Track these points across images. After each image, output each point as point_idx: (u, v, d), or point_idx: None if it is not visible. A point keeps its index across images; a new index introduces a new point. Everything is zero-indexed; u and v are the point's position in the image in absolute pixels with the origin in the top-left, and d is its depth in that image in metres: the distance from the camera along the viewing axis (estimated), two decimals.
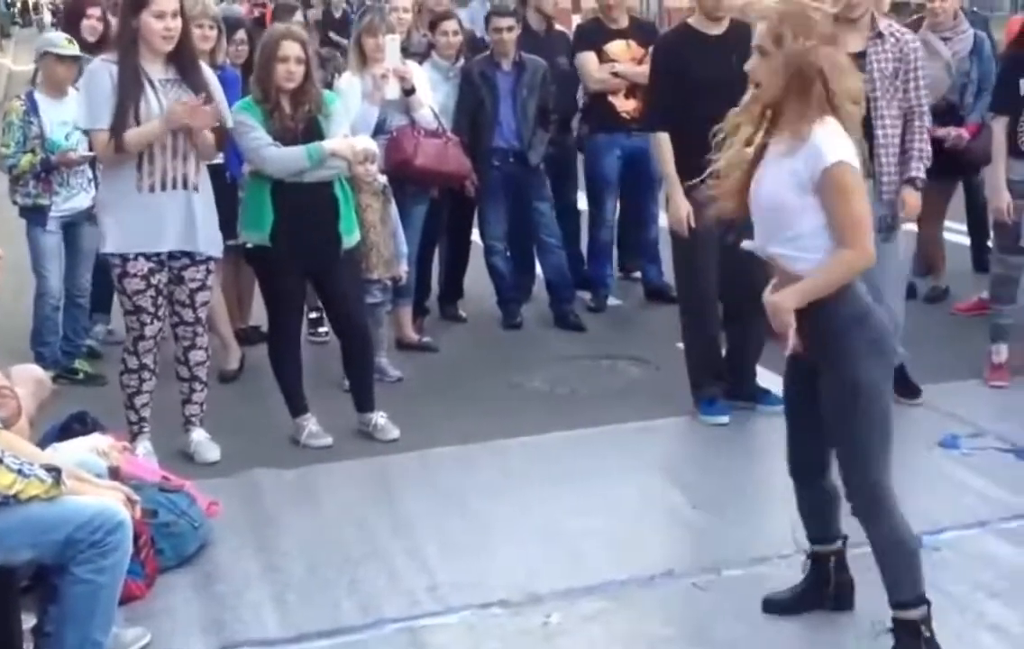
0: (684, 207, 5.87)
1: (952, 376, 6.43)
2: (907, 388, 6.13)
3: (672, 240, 6.18)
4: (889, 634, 3.84)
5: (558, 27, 8.57)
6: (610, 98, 7.80)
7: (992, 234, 6.80)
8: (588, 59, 7.84)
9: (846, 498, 3.91)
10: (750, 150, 3.88)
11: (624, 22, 7.89)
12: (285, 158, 5.60)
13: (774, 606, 4.27)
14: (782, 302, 3.77)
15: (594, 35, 7.99)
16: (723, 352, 6.21)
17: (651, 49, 6.58)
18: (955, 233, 8.33)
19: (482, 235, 7.82)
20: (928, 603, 3.83)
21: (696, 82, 5.82)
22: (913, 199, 5.88)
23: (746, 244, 4.00)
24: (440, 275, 8.03)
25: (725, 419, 6.00)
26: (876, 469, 3.80)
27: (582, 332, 7.62)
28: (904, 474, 5.43)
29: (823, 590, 4.22)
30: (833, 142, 3.69)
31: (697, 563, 4.62)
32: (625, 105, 7.75)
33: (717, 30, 5.95)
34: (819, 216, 3.73)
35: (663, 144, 5.96)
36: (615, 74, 7.72)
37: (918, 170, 5.87)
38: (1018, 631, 4.10)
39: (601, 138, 7.90)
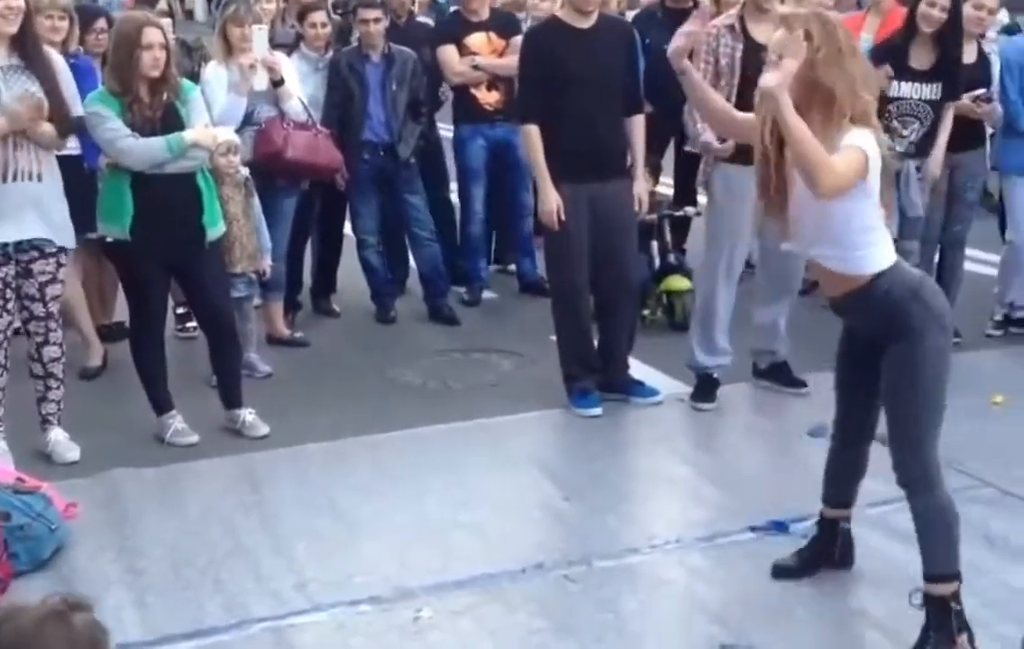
0: (554, 200, 5.87)
1: (826, 365, 6.48)
2: (791, 380, 6.23)
3: (544, 233, 6.18)
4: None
5: (420, 18, 8.50)
6: (472, 91, 7.77)
7: None
8: (449, 53, 7.80)
9: (894, 468, 3.93)
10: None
11: (485, 14, 7.86)
12: (144, 150, 5.43)
13: (784, 572, 4.39)
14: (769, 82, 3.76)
15: (454, 28, 7.96)
16: (595, 344, 6.21)
17: (520, 42, 6.55)
18: None
19: (354, 229, 7.73)
20: (959, 580, 3.90)
21: (565, 75, 5.83)
22: None
23: (785, 246, 4.07)
24: (312, 269, 7.92)
25: (597, 411, 6.01)
26: (928, 443, 3.87)
27: (456, 325, 7.57)
28: (775, 463, 5.59)
29: (829, 550, 4.37)
30: (858, 138, 3.74)
31: (568, 555, 4.60)
32: (487, 97, 7.74)
33: (586, 24, 5.95)
34: (858, 217, 3.80)
35: (532, 137, 5.94)
36: (476, 67, 7.69)
37: None
38: (882, 613, 4.16)
39: (465, 129, 7.88)
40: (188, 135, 5.48)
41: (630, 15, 8.86)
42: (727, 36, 5.87)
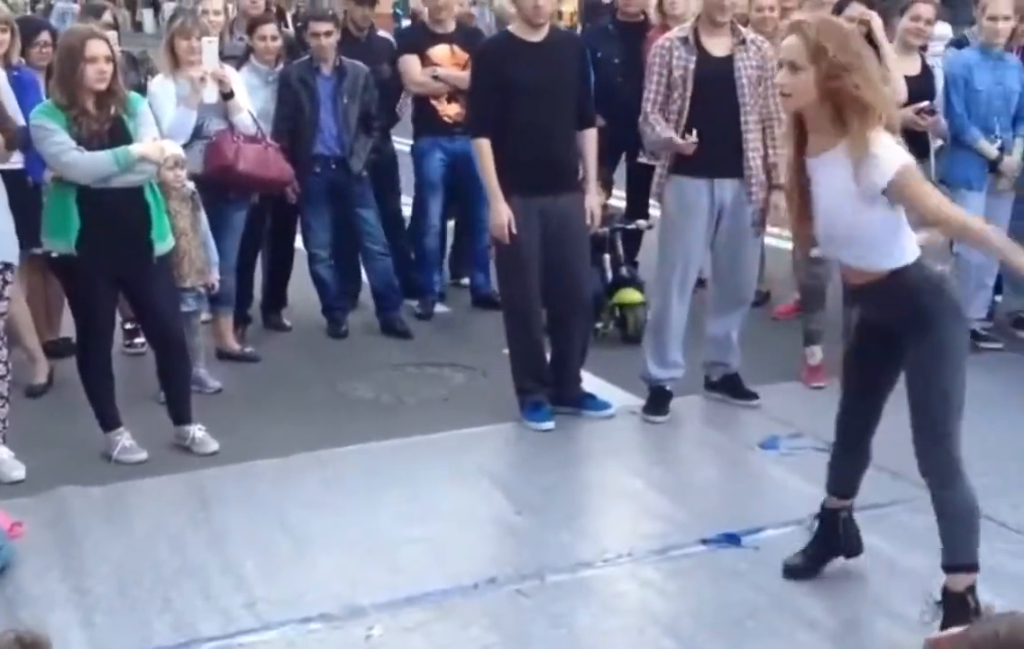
0: (505, 213, 5.86)
1: (775, 378, 6.57)
2: (743, 393, 6.25)
3: (495, 247, 6.17)
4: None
5: (381, 33, 8.48)
6: (432, 102, 7.76)
7: (792, 246, 6.99)
8: (411, 62, 7.79)
9: (918, 457, 3.97)
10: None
11: (450, 27, 7.85)
12: (91, 164, 5.36)
13: (794, 572, 4.43)
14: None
15: (418, 39, 7.95)
16: (547, 357, 6.20)
17: (472, 56, 6.55)
18: (773, 237, 8.51)
19: (305, 243, 7.68)
20: (978, 571, 3.94)
21: (516, 88, 5.83)
22: (784, 203, 6.02)
23: (816, 252, 4.13)
24: (263, 283, 7.86)
25: (550, 425, 5.99)
26: (951, 434, 3.91)
27: (409, 339, 7.53)
28: (727, 475, 5.61)
29: (833, 541, 4.42)
30: (889, 152, 3.78)
31: (521, 569, 4.58)
32: (447, 109, 7.73)
33: (537, 37, 5.94)
34: (887, 221, 3.85)
35: (484, 150, 5.93)
36: (437, 78, 7.68)
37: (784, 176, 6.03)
38: (832, 625, 4.19)
39: (424, 142, 7.87)
40: (135, 148, 5.41)
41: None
42: (681, 49, 5.90)
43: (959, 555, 3.96)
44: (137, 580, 4.52)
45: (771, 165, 5.99)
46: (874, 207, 3.83)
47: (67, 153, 5.34)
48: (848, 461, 4.38)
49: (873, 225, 3.87)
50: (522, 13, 5.95)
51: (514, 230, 5.87)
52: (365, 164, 7.47)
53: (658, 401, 6.14)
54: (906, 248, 3.93)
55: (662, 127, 5.89)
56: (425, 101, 7.80)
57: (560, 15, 18.57)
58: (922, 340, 3.91)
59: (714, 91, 5.87)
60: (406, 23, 8.56)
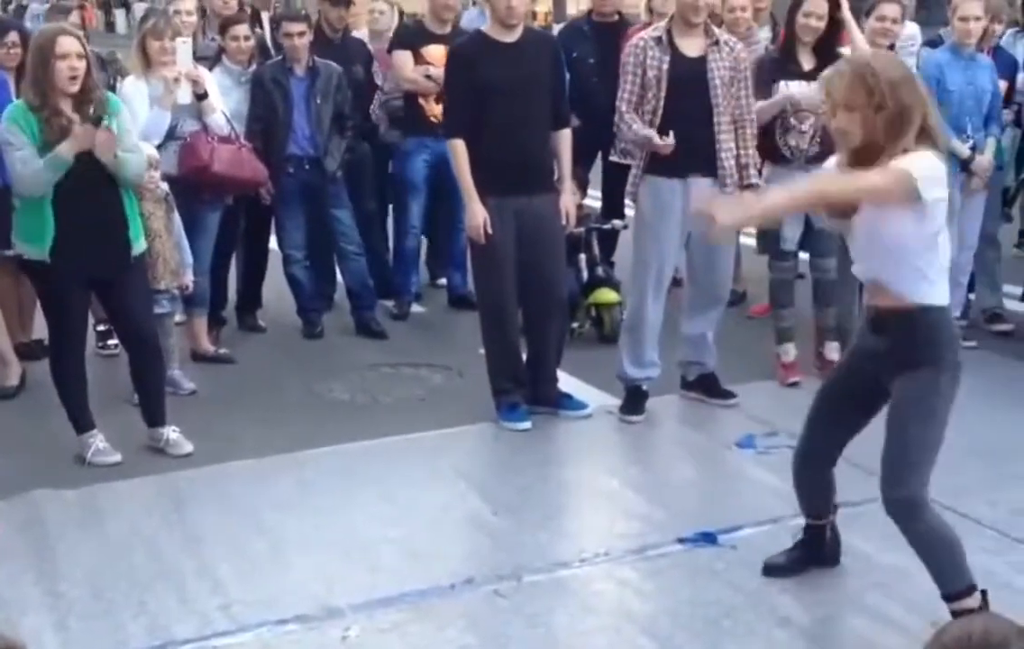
0: (480, 214, 5.86)
1: (751, 377, 6.58)
2: (719, 392, 6.26)
3: (471, 247, 6.16)
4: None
5: (355, 34, 8.45)
6: (420, 101, 7.73)
7: (756, 242, 7.02)
8: (403, 59, 7.77)
9: (885, 491, 3.90)
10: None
11: (448, 29, 7.81)
12: (33, 177, 5.27)
13: (774, 571, 4.42)
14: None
15: (414, 36, 7.91)
16: (524, 358, 6.19)
17: (447, 57, 6.54)
18: (751, 237, 8.54)
19: (280, 245, 7.65)
20: (978, 590, 3.89)
21: (491, 89, 5.83)
22: None
23: (855, 270, 4.07)
24: (237, 284, 7.82)
25: (527, 425, 5.99)
26: (921, 479, 3.85)
27: (384, 340, 7.52)
28: (704, 474, 5.61)
29: (819, 555, 4.44)
30: (931, 178, 3.74)
31: (498, 570, 4.57)
32: (434, 109, 7.68)
33: (510, 38, 5.94)
34: (911, 239, 3.79)
35: (459, 151, 5.93)
36: (428, 77, 7.65)
37: (755, 176, 6.09)
38: (808, 623, 4.19)
39: (410, 143, 7.85)
40: (64, 149, 5.26)
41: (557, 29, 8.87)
42: (655, 49, 5.91)
43: (952, 582, 3.89)
44: (112, 583, 4.49)
45: (743, 165, 6.01)
46: (914, 228, 3.78)
47: (14, 167, 5.29)
48: (812, 490, 4.36)
49: (889, 236, 3.81)
50: (495, 14, 5.95)
51: (489, 230, 5.86)
52: (340, 164, 7.45)
53: (634, 401, 6.14)
54: (940, 289, 3.89)
55: (639, 126, 5.90)
56: (414, 99, 7.77)
57: (534, 15, 18.57)
58: (920, 382, 3.85)
59: (687, 91, 5.88)
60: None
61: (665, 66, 5.88)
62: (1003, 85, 7.31)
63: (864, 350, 4.06)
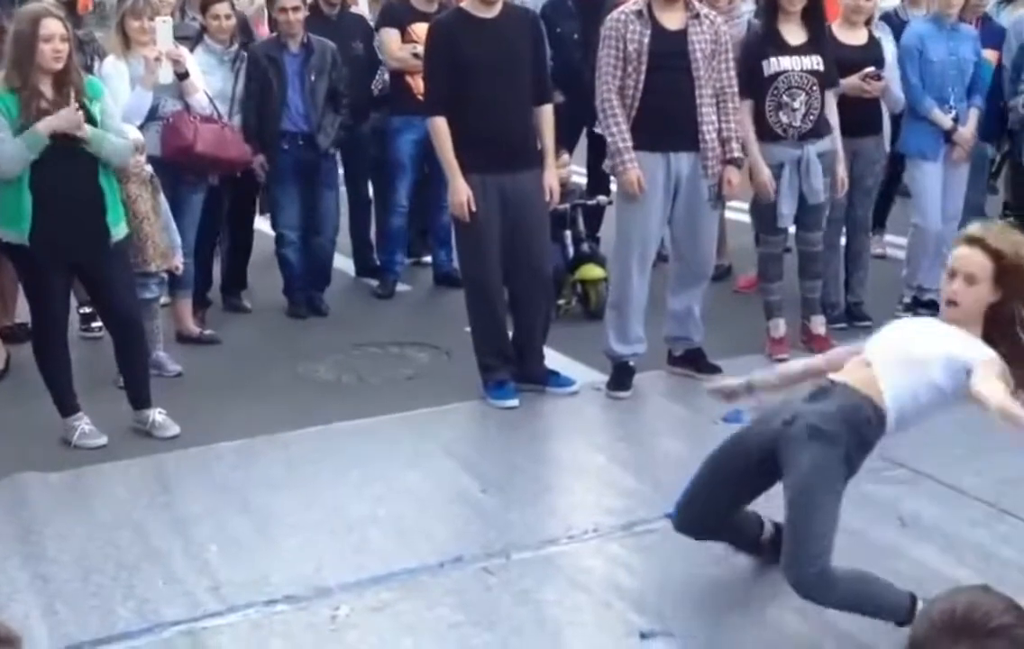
0: (464, 191, 5.84)
1: (739, 351, 6.57)
2: (706, 366, 6.26)
3: (455, 225, 6.14)
4: None
5: (353, 10, 8.40)
6: (407, 78, 7.70)
7: (751, 217, 7.00)
8: (390, 36, 7.73)
9: (793, 570, 3.73)
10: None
11: (435, 7, 7.75)
12: (8, 156, 5.24)
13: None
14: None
15: (401, 14, 7.87)
16: (510, 335, 6.18)
17: (426, 34, 6.50)
18: (735, 211, 8.54)
19: (273, 224, 7.64)
20: (911, 620, 3.68)
21: (470, 65, 5.81)
22: (737, 177, 6.09)
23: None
24: (222, 265, 7.79)
25: (514, 402, 5.98)
26: (825, 552, 3.70)
27: (370, 319, 7.49)
28: (691, 449, 5.58)
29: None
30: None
31: (487, 547, 4.56)
32: (421, 87, 7.64)
33: (490, 13, 5.91)
34: (942, 395, 3.79)
35: (440, 128, 5.91)
36: (416, 55, 7.61)
37: (738, 150, 6.06)
38: (799, 598, 4.18)
39: (396, 121, 7.82)
40: (42, 126, 5.24)
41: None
42: (635, 22, 5.88)
43: (894, 613, 3.75)
44: (99, 566, 4.47)
45: (724, 139, 5.99)
46: (955, 386, 3.76)
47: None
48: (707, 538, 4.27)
49: (937, 382, 3.79)
50: None
51: (473, 207, 5.84)
52: (333, 141, 7.42)
53: (621, 377, 6.14)
54: (900, 415, 3.85)
55: (619, 134, 5.86)
56: (401, 77, 7.74)
57: None
58: (827, 453, 3.76)
59: (668, 64, 5.86)
60: None
61: (646, 40, 5.85)
62: (994, 55, 7.31)
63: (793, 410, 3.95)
